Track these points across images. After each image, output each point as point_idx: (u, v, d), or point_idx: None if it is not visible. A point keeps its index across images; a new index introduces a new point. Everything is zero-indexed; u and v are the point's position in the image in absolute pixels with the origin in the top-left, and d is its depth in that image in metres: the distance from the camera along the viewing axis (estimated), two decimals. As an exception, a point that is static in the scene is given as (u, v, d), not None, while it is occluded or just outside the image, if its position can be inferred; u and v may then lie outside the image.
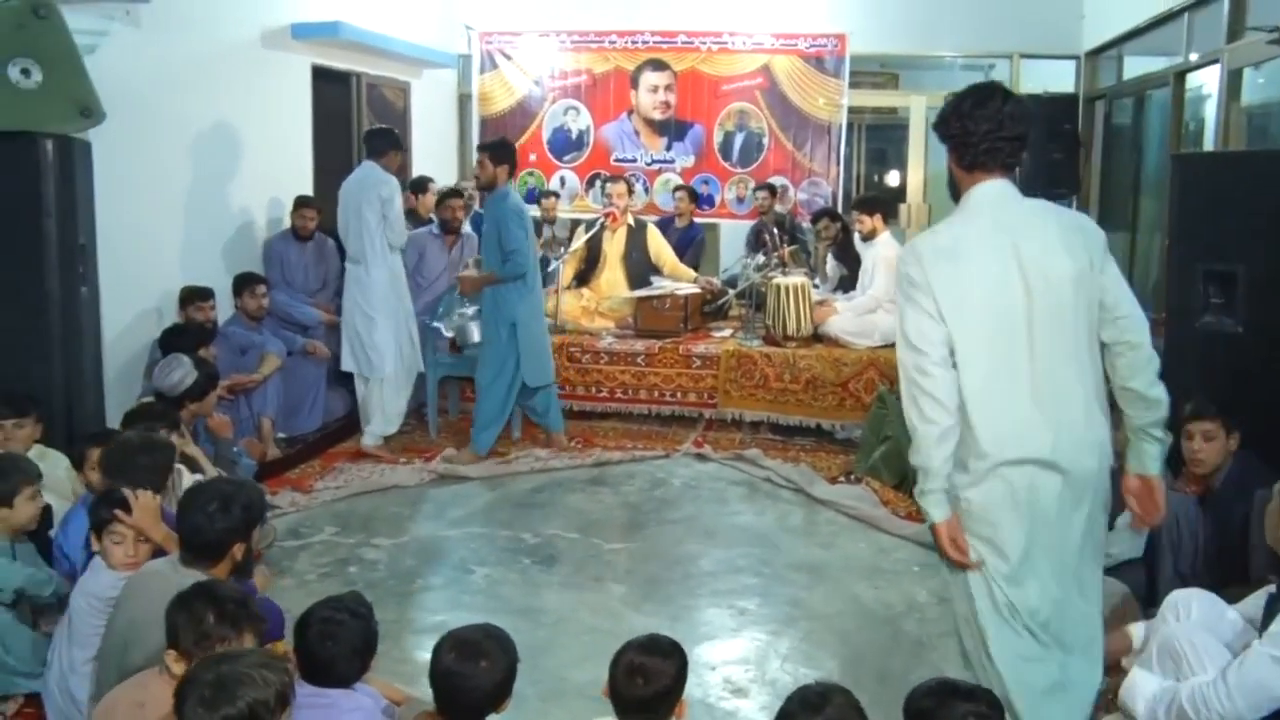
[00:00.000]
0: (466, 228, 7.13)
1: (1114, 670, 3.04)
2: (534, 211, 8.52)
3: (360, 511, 5.16)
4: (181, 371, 4.51)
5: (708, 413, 6.70)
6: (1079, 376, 2.54)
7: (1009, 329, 2.51)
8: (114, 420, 4.69)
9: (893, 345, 6.44)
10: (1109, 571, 3.84)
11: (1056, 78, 8.65)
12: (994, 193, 2.61)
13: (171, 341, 5.12)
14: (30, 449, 3.86)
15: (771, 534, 4.98)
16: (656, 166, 8.98)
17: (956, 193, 2.71)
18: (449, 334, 6.16)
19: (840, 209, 8.31)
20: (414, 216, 7.03)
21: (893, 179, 10.52)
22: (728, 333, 7.07)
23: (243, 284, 6.01)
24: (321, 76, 7.32)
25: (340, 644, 2.56)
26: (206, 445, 4.65)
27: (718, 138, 8.91)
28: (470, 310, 6.10)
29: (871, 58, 9.20)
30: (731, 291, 7.48)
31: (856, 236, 6.92)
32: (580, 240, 7.38)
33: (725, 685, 3.55)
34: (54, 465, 3.91)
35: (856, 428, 6.19)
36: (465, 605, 4.12)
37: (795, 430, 6.50)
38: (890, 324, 6.57)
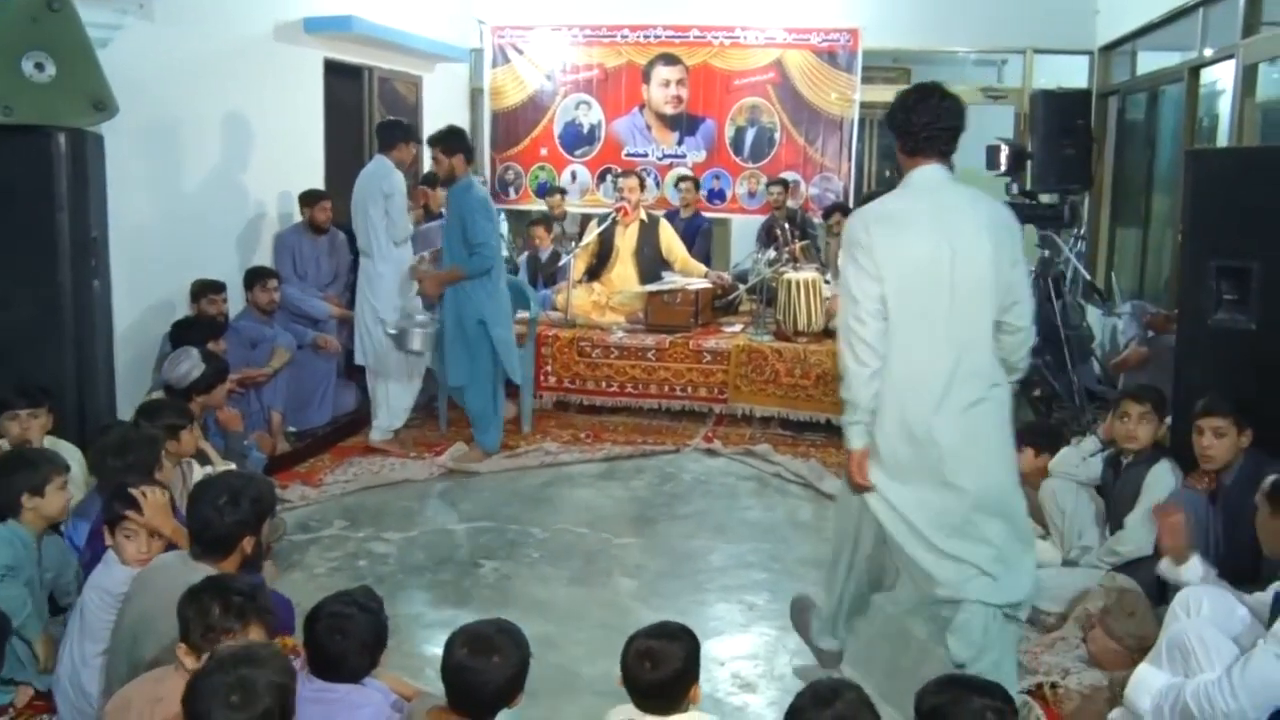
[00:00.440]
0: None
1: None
2: (544, 206, 8.56)
3: (370, 506, 5.17)
4: (189, 364, 4.52)
5: (718, 408, 6.70)
6: (980, 343, 2.95)
7: (934, 293, 2.89)
8: (125, 413, 4.72)
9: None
10: (1120, 569, 3.86)
11: (1070, 73, 8.62)
12: (931, 175, 3.02)
13: (181, 334, 5.14)
14: (43, 440, 3.88)
15: (781, 529, 4.97)
16: (668, 161, 8.96)
17: (900, 173, 3.12)
18: (393, 331, 5.74)
19: (851, 204, 8.29)
20: (426, 211, 7.03)
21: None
22: (738, 328, 7.06)
23: (254, 277, 6.03)
24: (333, 70, 7.33)
25: (350, 638, 2.56)
26: (217, 439, 4.68)
27: (729, 132, 8.89)
28: (421, 316, 5.81)
29: (884, 53, 9.17)
30: (742, 286, 7.48)
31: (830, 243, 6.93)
32: (592, 235, 7.38)
33: (734, 680, 3.55)
34: (66, 457, 3.91)
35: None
36: (474, 599, 4.13)
37: (805, 425, 6.49)
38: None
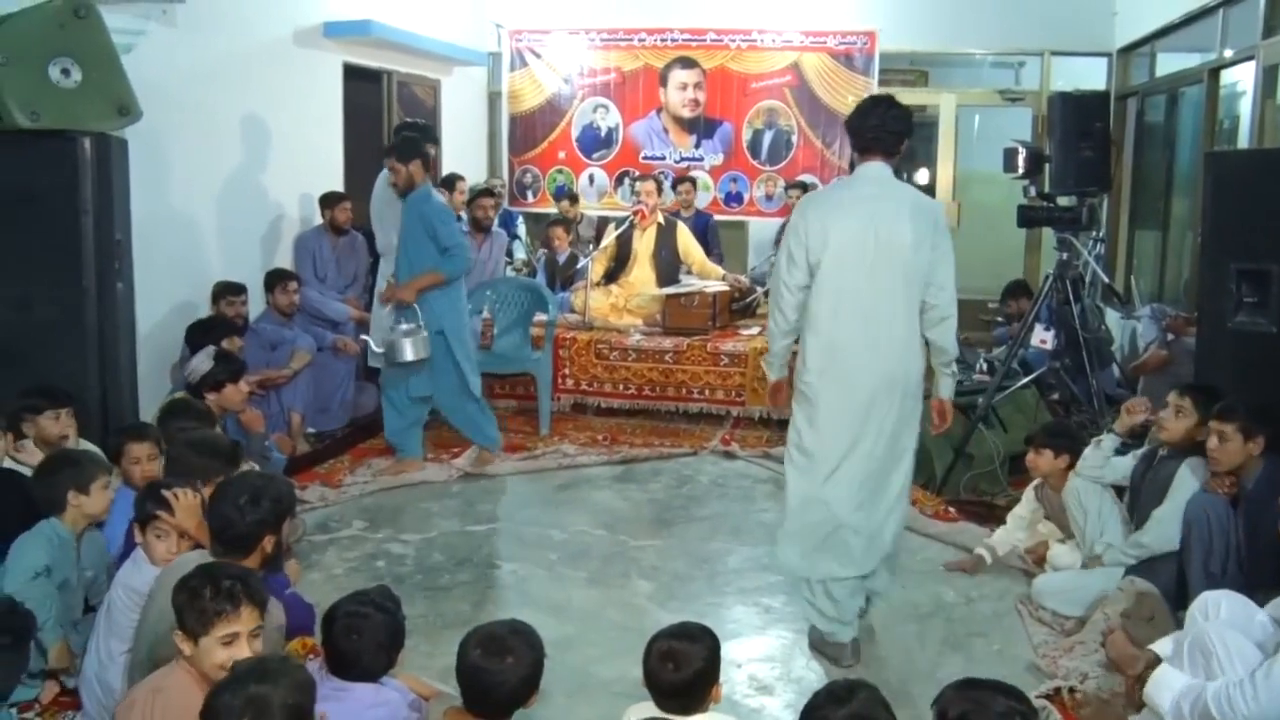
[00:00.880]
0: (495, 226, 7.15)
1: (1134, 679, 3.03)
2: (556, 209, 8.57)
3: (388, 507, 5.20)
4: (198, 359, 4.57)
5: (735, 410, 6.70)
6: (898, 313, 3.47)
7: (855, 269, 3.43)
8: (146, 414, 4.76)
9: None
10: (1140, 567, 3.84)
11: (1088, 75, 8.58)
12: (874, 170, 3.56)
13: (196, 335, 5.19)
14: (76, 440, 3.92)
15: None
16: (685, 164, 8.97)
17: (853, 167, 3.74)
18: (379, 349, 5.45)
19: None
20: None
21: (922, 177, 10.45)
22: (756, 330, 7.05)
23: (274, 280, 6.07)
24: (353, 74, 7.38)
25: (365, 638, 2.59)
26: (238, 439, 4.71)
27: (746, 135, 8.89)
28: (404, 325, 5.39)
29: (901, 55, 9.15)
30: (760, 289, 7.47)
31: None
32: (610, 238, 7.40)
33: (751, 683, 3.56)
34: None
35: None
36: (492, 601, 4.16)
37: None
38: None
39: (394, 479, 5.52)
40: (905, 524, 3.83)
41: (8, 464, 3.71)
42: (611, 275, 7.45)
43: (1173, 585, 3.73)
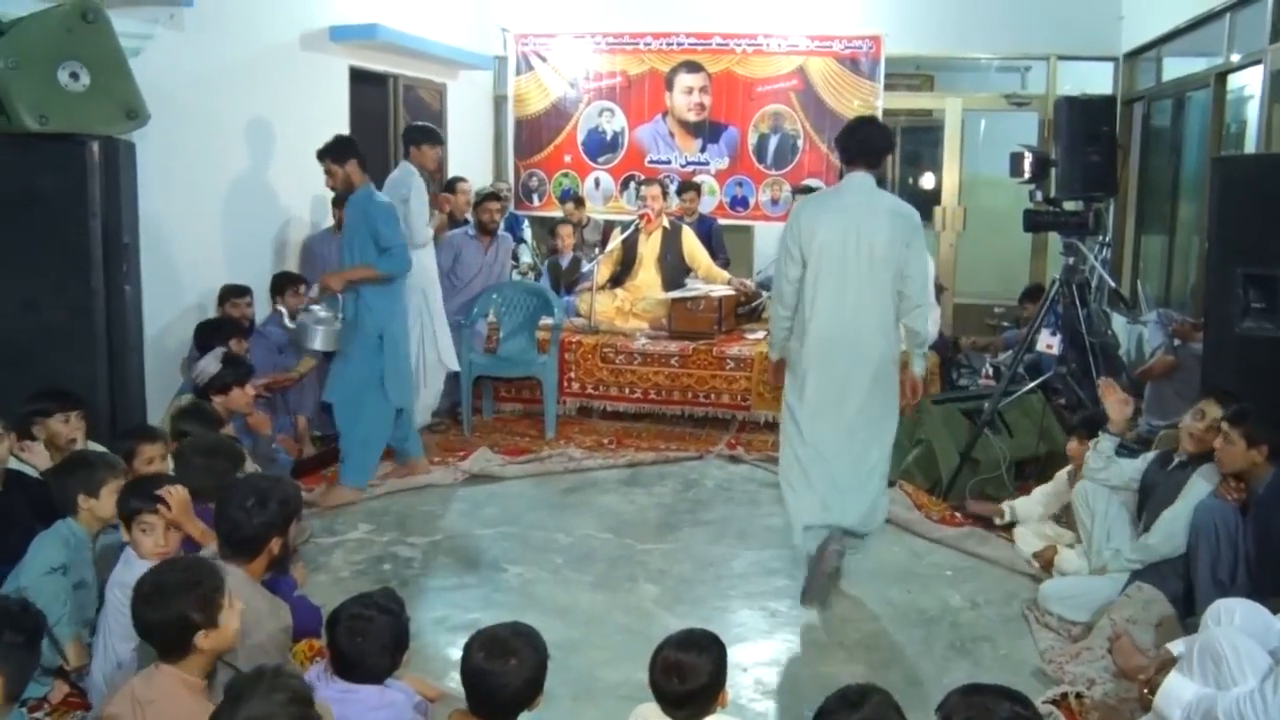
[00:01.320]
0: (501, 229, 7.16)
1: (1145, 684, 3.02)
2: (562, 213, 8.57)
3: (394, 509, 5.20)
4: (205, 361, 4.58)
5: (741, 414, 6.70)
6: (874, 300, 4.04)
7: (838, 263, 4.02)
8: (154, 416, 4.78)
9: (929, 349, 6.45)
10: (1148, 573, 3.83)
11: (1094, 79, 8.58)
12: (858, 178, 4.13)
13: (205, 335, 5.20)
14: (85, 443, 3.94)
15: (804, 536, 4.96)
16: (691, 168, 8.97)
17: (841, 177, 4.34)
18: (290, 325, 5.39)
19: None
20: (450, 218, 7.07)
21: (927, 181, 10.46)
22: (762, 335, 7.03)
23: (282, 283, 6.08)
24: (359, 78, 7.40)
25: (369, 640, 2.60)
26: (245, 441, 4.72)
27: (752, 140, 8.89)
28: (322, 313, 5.24)
29: (907, 59, 9.15)
30: (766, 294, 7.47)
31: None
32: (616, 242, 7.41)
33: (757, 686, 3.56)
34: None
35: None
36: (498, 604, 4.15)
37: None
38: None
39: (401, 481, 5.53)
40: (884, 489, 4.39)
41: (14, 465, 3.72)
42: (617, 279, 7.45)
43: (1180, 592, 3.72)
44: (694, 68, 8.91)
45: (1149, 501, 4.05)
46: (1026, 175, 5.70)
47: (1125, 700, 3.27)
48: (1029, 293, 7.59)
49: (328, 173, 5.25)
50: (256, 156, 6.35)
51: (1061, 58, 8.68)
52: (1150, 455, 4.22)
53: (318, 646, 3.16)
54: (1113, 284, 7.23)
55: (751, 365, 6.59)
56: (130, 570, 3.11)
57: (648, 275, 7.35)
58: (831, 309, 4.05)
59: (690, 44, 8.91)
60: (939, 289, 6.93)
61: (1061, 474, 4.68)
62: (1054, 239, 6.84)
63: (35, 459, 3.83)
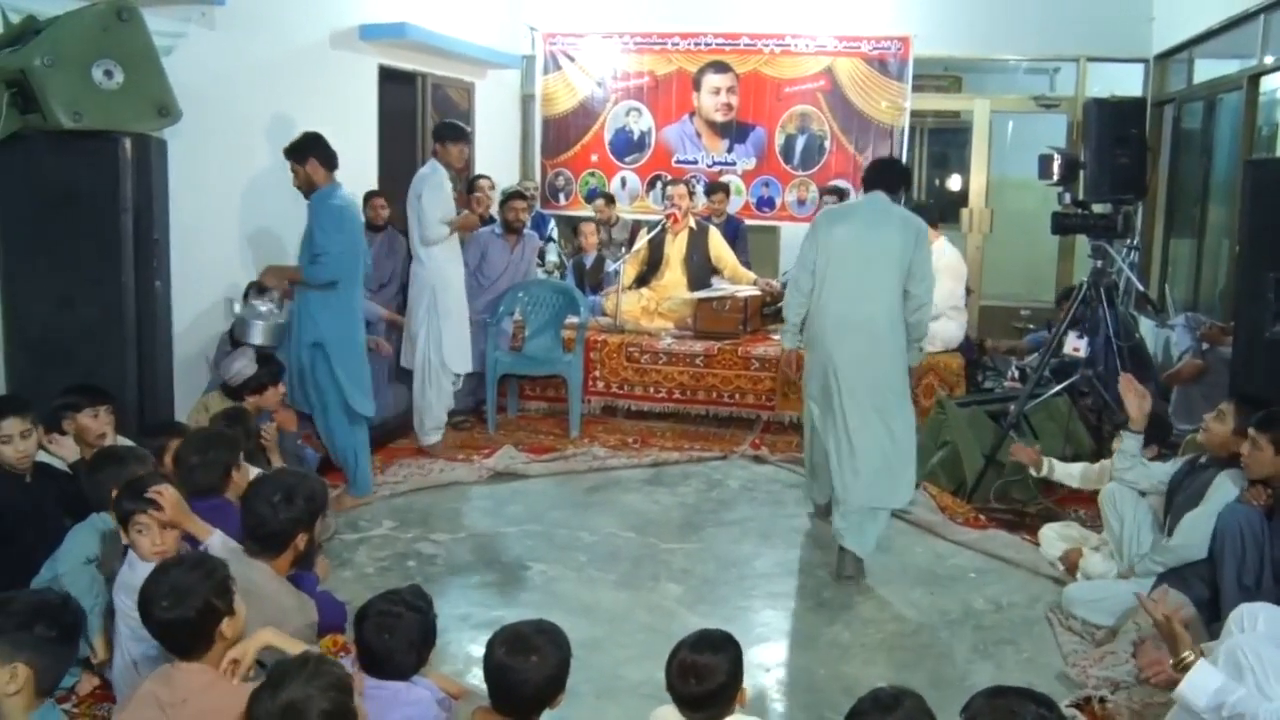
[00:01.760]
0: (528, 228, 7.18)
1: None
2: (589, 211, 8.59)
3: (419, 507, 5.23)
4: (242, 362, 4.61)
5: (765, 415, 6.70)
6: (882, 297, 4.40)
7: (847, 264, 4.43)
8: (182, 412, 4.82)
9: (953, 350, 6.45)
10: (1173, 577, 3.80)
11: (1124, 81, 8.51)
12: (875, 197, 4.61)
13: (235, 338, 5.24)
14: (115, 438, 3.98)
15: (827, 537, 4.94)
16: (718, 169, 8.97)
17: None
18: (234, 315, 5.29)
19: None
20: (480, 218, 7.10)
21: (954, 183, 10.41)
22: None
23: (307, 281, 6.12)
24: (388, 77, 7.43)
25: (397, 637, 2.61)
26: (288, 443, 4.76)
27: (779, 140, 8.88)
28: (266, 306, 5.11)
29: (935, 60, 9.10)
30: (791, 294, 7.45)
31: None
32: (642, 241, 7.41)
33: (779, 687, 3.56)
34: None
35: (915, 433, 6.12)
36: (521, 601, 4.17)
37: (853, 434, 6.46)
38: (951, 331, 6.53)
39: (425, 479, 5.56)
40: (912, 465, 4.60)
41: (42, 458, 3.77)
42: (643, 279, 7.46)
43: (1206, 597, 3.70)
44: (721, 68, 8.91)
45: (1173, 504, 4.03)
46: (1055, 177, 5.66)
47: (1150, 705, 3.25)
48: (1066, 294, 7.55)
49: (292, 171, 5.10)
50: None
51: (1091, 59, 8.63)
52: (1180, 460, 4.18)
53: (341, 642, 3.18)
54: (1141, 287, 7.18)
55: (777, 365, 6.58)
56: (134, 572, 3.12)
57: (674, 275, 7.35)
58: (841, 302, 4.42)
59: (718, 44, 8.91)
60: (966, 291, 6.89)
61: (1106, 463, 4.63)
62: (1082, 242, 6.78)
63: (63, 451, 3.88)
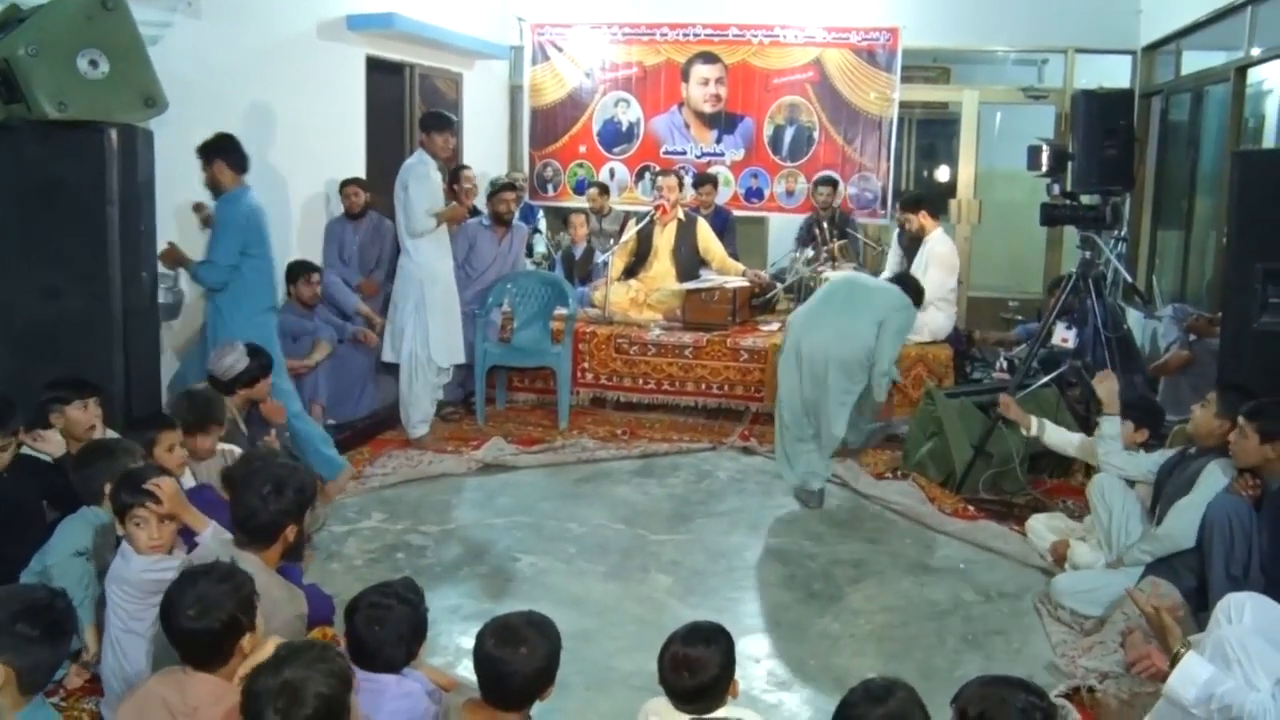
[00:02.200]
0: (516, 219, 7.17)
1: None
2: (584, 203, 8.58)
3: (408, 499, 5.22)
4: (234, 356, 4.58)
5: (754, 406, 6.70)
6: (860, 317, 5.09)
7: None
8: (168, 405, 4.79)
9: (941, 342, 6.46)
10: (1162, 567, 3.83)
11: (1112, 73, 8.53)
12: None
13: None
14: (104, 431, 3.96)
15: (816, 528, 4.98)
16: (706, 159, 8.96)
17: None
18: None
19: (889, 203, 8.31)
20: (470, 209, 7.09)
21: (943, 174, 10.42)
22: (776, 326, 7.05)
23: (296, 271, 6.11)
24: (375, 67, 7.40)
25: (388, 629, 2.60)
26: (260, 430, 4.74)
27: (768, 131, 8.87)
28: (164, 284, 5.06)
29: (924, 52, 9.10)
30: (780, 285, 7.47)
31: (895, 235, 6.94)
32: (630, 232, 7.40)
33: (769, 678, 3.57)
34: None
35: (903, 424, 6.15)
36: (511, 593, 4.17)
37: (841, 425, 6.47)
38: (940, 322, 6.54)
39: (414, 470, 5.55)
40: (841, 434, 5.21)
41: (27, 451, 3.75)
42: (631, 270, 7.46)
43: (1194, 587, 3.72)
44: (710, 59, 8.89)
45: (1161, 493, 4.05)
46: (1044, 169, 5.67)
47: (1138, 695, 3.27)
48: (1057, 284, 7.57)
49: (202, 169, 5.03)
50: (273, 145, 6.35)
51: (1079, 51, 8.63)
52: (1168, 452, 4.20)
53: (330, 635, 3.18)
54: (1129, 278, 7.20)
55: (765, 357, 6.59)
56: (128, 564, 3.11)
57: (662, 266, 7.35)
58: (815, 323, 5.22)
59: (707, 35, 8.89)
60: (957, 283, 6.90)
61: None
62: (1070, 233, 6.82)
63: (49, 447, 3.84)
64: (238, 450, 4.20)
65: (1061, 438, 4.81)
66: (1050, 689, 3.26)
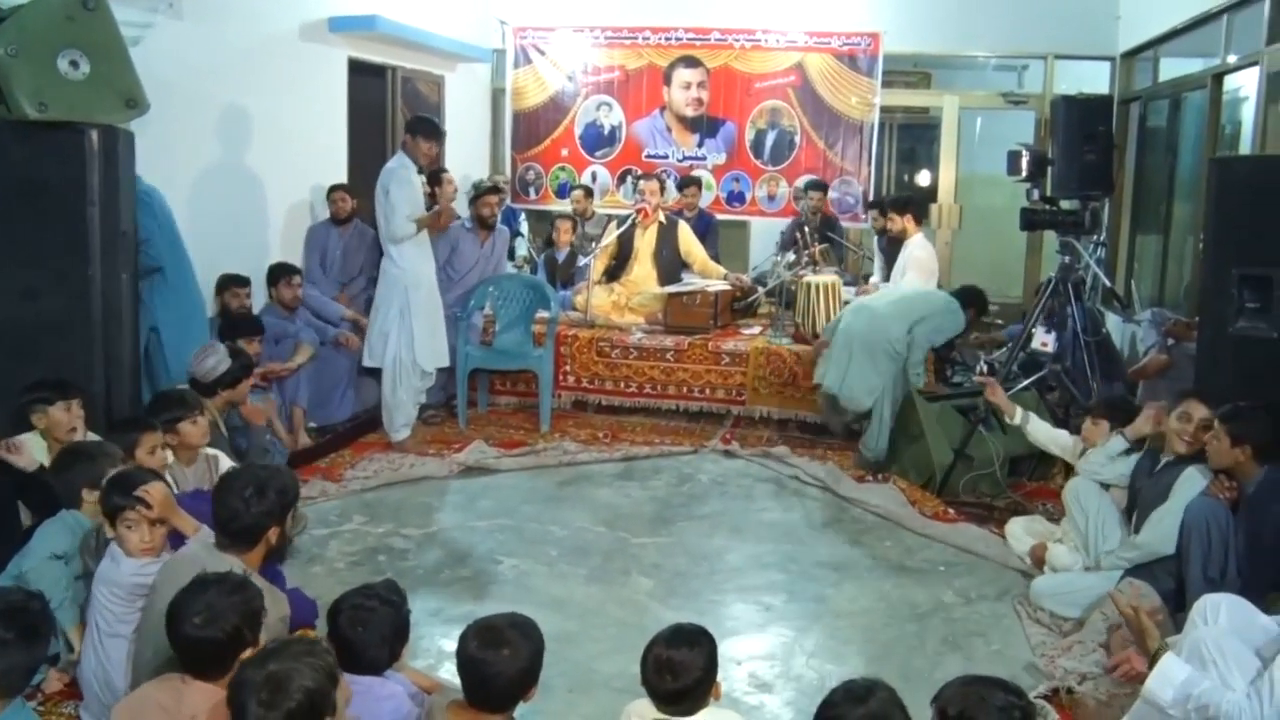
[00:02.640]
0: (499, 223, 7.16)
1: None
2: (565, 206, 8.59)
3: (390, 501, 5.21)
4: (215, 359, 4.57)
5: (736, 409, 6.72)
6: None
7: None
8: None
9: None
10: (1140, 569, 3.86)
11: (1091, 79, 8.60)
12: None
13: (227, 333, 5.22)
14: (85, 433, 3.93)
15: (798, 531, 4.99)
16: (688, 163, 8.98)
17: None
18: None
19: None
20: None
21: (924, 179, 10.48)
22: (757, 330, 7.08)
23: (277, 274, 6.09)
24: (357, 69, 7.39)
25: (370, 631, 2.61)
26: (240, 432, 4.73)
27: (749, 135, 8.90)
28: None
29: (905, 57, 9.16)
30: (761, 289, 7.49)
31: (876, 239, 6.96)
32: (611, 236, 7.41)
33: (751, 680, 3.58)
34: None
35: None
36: (493, 596, 4.17)
37: (823, 429, 6.50)
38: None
39: (396, 474, 5.54)
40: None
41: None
42: (612, 273, 7.46)
43: (1172, 589, 3.75)
44: (692, 63, 8.92)
45: (1138, 500, 4.08)
46: (1023, 174, 5.71)
47: (1116, 695, 3.29)
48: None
49: None
50: (255, 147, 6.34)
51: (1059, 57, 8.71)
52: (1137, 455, 4.24)
53: (312, 637, 3.17)
54: (1108, 283, 7.25)
55: (747, 360, 6.61)
56: (117, 568, 3.10)
57: (643, 270, 7.36)
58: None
59: (689, 39, 8.92)
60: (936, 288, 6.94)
61: (1079, 438, 4.67)
62: (1050, 238, 6.84)
63: (22, 461, 3.75)
64: (220, 454, 4.18)
65: (1045, 433, 4.84)
66: (1030, 690, 3.29)
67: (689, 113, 8.97)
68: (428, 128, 5.90)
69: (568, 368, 6.86)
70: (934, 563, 4.62)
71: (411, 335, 5.85)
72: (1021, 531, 4.68)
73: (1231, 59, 6.52)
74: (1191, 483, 3.80)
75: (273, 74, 6.46)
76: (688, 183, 8.31)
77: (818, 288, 6.62)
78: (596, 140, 9.17)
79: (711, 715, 2.53)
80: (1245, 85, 6.49)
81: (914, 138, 11.09)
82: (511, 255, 7.87)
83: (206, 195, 5.96)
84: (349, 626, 2.61)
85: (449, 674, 3.25)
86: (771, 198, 8.90)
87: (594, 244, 7.71)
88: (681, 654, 2.48)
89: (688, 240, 7.41)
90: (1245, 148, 6.35)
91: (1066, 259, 5.57)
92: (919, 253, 6.57)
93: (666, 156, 9.05)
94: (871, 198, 8.57)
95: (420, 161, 5.88)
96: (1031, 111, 8.89)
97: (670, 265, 7.36)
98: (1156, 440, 4.17)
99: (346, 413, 6.35)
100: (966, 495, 5.32)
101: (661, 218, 7.41)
